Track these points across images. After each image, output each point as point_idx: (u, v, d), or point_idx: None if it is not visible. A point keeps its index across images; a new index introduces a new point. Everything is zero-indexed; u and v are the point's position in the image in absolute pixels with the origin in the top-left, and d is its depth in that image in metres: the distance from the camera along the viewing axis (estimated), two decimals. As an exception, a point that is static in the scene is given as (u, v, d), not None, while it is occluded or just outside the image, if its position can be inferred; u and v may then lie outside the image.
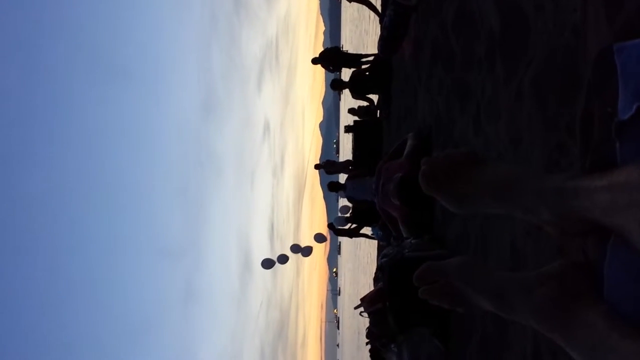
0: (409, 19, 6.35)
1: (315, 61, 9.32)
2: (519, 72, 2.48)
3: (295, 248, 10.29)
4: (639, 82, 0.75)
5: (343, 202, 11.29)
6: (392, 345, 3.86)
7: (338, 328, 59.61)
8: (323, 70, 9.52)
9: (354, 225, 9.02)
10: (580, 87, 1.82)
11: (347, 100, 21.79)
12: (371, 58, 8.90)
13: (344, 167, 10.30)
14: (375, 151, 8.70)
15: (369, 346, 5.12)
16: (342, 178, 10.03)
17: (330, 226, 9.60)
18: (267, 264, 10.07)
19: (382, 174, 4.96)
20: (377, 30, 8.81)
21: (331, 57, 9.25)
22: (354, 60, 9.34)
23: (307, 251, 10.34)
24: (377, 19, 8.67)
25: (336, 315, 71.30)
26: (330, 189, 9.50)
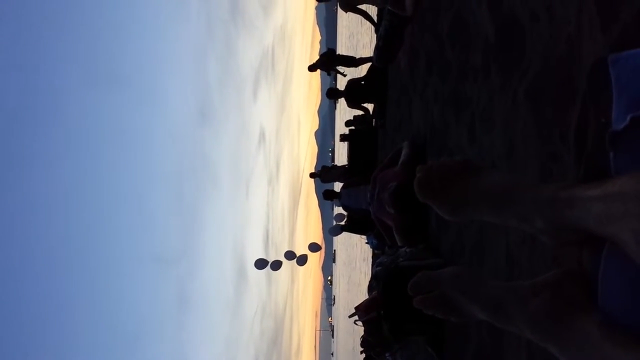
0: (404, 29, 6.37)
1: (311, 68, 9.34)
2: (513, 82, 2.49)
3: (290, 255, 10.21)
4: (633, 93, 0.76)
5: (338, 210, 11.27)
6: (387, 354, 3.84)
7: (333, 336, 59.38)
8: (319, 78, 9.66)
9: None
10: (575, 97, 1.83)
11: (343, 109, 21.83)
12: (364, 60, 8.98)
13: (339, 174, 10.29)
14: (371, 160, 8.71)
15: (363, 355, 5.10)
16: (337, 186, 10.04)
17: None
18: (260, 264, 10.00)
19: (377, 183, 4.96)
20: (373, 40, 8.85)
21: (327, 59, 9.28)
22: (348, 61, 9.37)
23: (302, 260, 10.25)
24: (373, 28, 8.71)
25: (331, 324, 71.02)
26: (326, 197, 9.50)
